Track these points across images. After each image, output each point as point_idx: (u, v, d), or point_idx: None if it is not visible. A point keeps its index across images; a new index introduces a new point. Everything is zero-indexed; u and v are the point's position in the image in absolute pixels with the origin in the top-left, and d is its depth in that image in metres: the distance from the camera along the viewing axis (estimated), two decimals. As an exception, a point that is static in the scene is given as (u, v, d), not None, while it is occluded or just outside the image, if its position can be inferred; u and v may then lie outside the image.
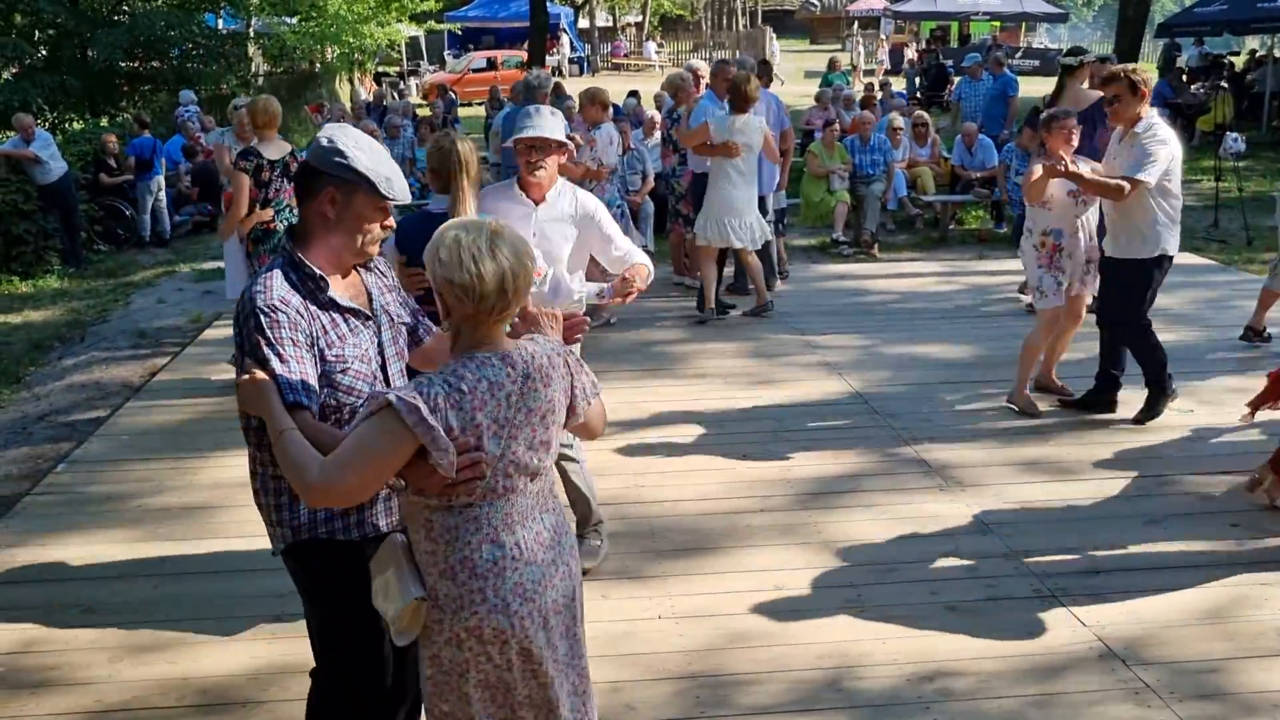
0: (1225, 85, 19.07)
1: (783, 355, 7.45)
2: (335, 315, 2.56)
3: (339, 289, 2.60)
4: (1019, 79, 14.38)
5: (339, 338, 2.55)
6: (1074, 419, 6.10)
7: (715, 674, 3.78)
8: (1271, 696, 3.58)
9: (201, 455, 5.88)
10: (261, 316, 2.44)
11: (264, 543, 4.73)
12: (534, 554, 2.40)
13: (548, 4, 22.95)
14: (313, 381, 2.47)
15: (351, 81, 26.62)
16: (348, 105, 19.64)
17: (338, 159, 2.50)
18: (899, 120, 12.81)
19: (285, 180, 6.60)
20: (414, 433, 2.19)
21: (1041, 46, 39.30)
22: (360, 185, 2.51)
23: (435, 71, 33.83)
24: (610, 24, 49.85)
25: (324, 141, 2.54)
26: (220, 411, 6.57)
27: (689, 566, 4.54)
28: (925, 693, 3.64)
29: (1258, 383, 6.60)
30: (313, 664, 2.91)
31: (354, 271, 2.67)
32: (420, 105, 23.09)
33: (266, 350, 2.43)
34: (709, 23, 55.70)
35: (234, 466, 5.70)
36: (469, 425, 2.26)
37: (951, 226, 12.18)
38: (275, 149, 6.61)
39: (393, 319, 2.75)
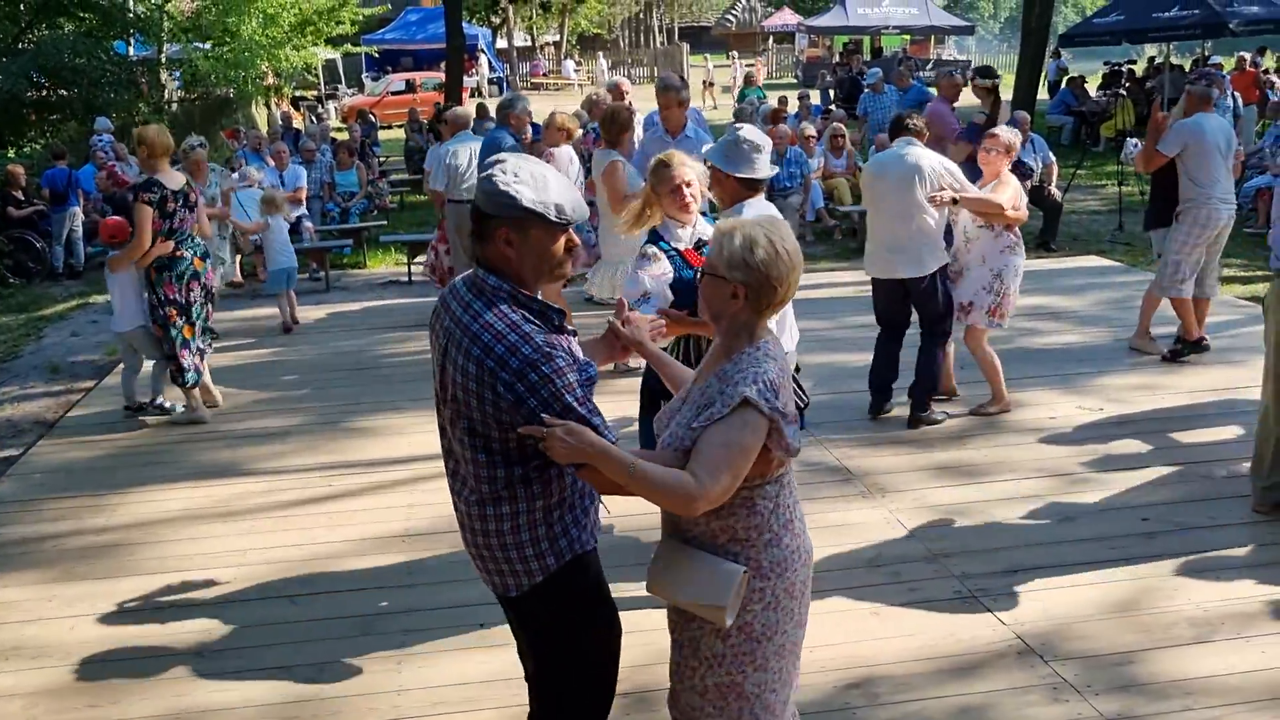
0: (1125, 92, 19.71)
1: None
2: (572, 341, 2.59)
3: None
4: (930, 89, 14.70)
5: (582, 364, 2.57)
6: (986, 423, 6.24)
7: (645, 689, 3.79)
8: (1184, 685, 3.70)
9: (120, 491, 5.76)
10: (543, 367, 2.39)
11: (188, 576, 4.71)
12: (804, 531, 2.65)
13: (465, 25, 22.89)
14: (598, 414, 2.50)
15: (268, 106, 26.27)
16: (264, 130, 19.38)
17: (502, 200, 2.45)
18: (810, 129, 13.02)
19: (187, 210, 6.56)
20: (770, 418, 2.39)
21: (951, 58, 40.16)
22: (531, 220, 2.46)
23: (353, 95, 33.54)
24: (529, 44, 49.87)
25: (486, 183, 2.49)
26: (138, 446, 6.45)
27: (618, 584, 4.55)
28: (852, 699, 3.70)
29: (1163, 380, 6.86)
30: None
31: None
32: (338, 129, 22.88)
33: (569, 397, 2.41)
34: (626, 40, 56.03)
35: (154, 501, 5.61)
36: (789, 402, 2.48)
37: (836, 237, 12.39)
38: (174, 179, 6.56)
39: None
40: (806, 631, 2.70)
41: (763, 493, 2.52)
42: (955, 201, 5.90)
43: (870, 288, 6.30)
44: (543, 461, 2.49)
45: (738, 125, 4.40)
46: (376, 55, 34.89)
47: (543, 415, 2.38)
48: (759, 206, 4.23)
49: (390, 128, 26.91)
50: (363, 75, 36.34)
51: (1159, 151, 6.96)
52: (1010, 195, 5.99)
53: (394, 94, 30.51)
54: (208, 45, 22.95)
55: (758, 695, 2.59)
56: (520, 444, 2.47)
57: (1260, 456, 4.98)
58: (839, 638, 4.05)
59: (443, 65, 22.53)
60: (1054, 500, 5.21)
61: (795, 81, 37.51)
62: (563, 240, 2.53)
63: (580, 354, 2.59)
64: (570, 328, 2.61)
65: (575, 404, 2.42)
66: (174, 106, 23.11)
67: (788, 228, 2.61)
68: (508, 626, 4.19)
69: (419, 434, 6.43)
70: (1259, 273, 10.16)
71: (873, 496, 5.31)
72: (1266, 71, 21.08)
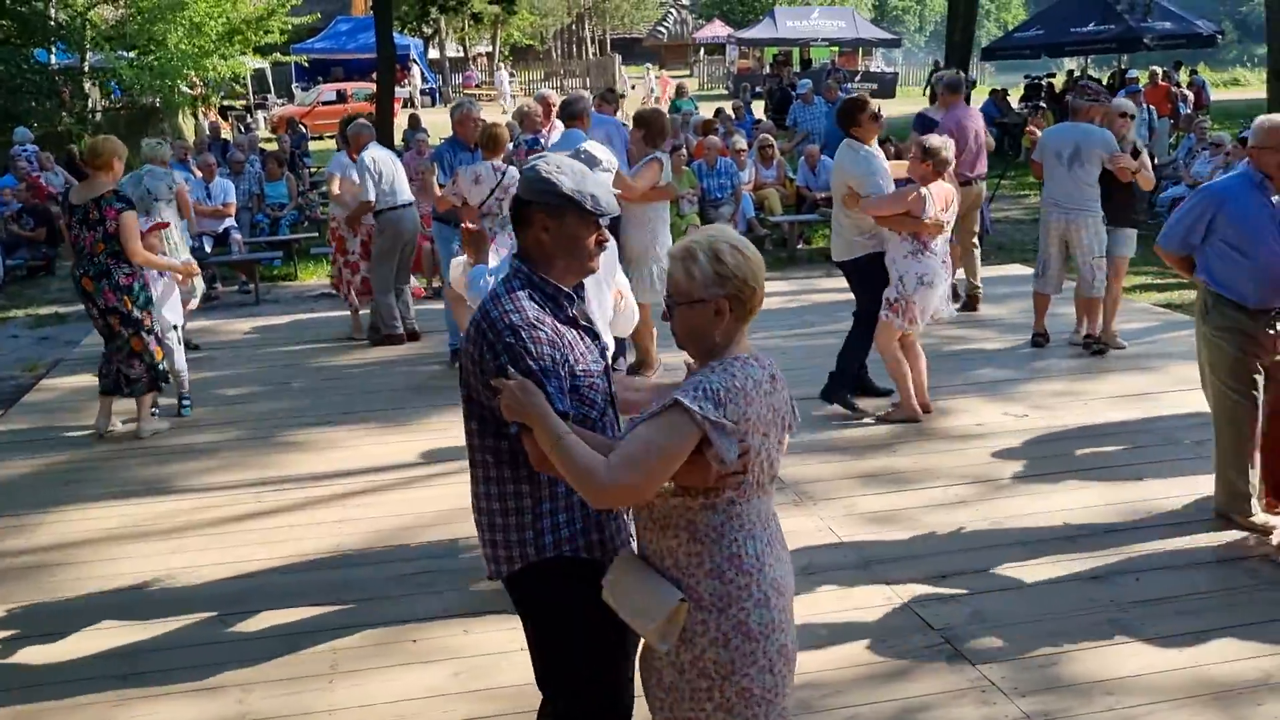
0: (1045, 105, 20.18)
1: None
2: (578, 331, 2.65)
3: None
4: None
5: (582, 354, 2.63)
6: (915, 430, 6.35)
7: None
8: (1106, 684, 3.80)
9: (42, 511, 5.62)
10: (523, 332, 2.51)
11: (113, 598, 4.61)
12: (778, 552, 2.53)
13: (396, 35, 22.71)
14: (569, 394, 2.55)
15: (196, 116, 25.83)
16: (191, 140, 19.06)
17: (542, 186, 2.60)
18: (741, 142, 13.14)
19: (84, 228, 6.40)
20: (701, 426, 2.30)
21: (878, 70, 40.81)
22: (568, 208, 2.59)
23: (283, 104, 33.12)
24: (461, 54, 49.68)
25: (529, 172, 2.64)
26: (61, 464, 6.31)
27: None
28: (785, 705, 3.74)
29: (1085, 386, 7.03)
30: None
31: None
32: (267, 139, 22.57)
33: (532, 362, 2.49)
34: (559, 51, 56.05)
35: (77, 521, 5.48)
36: (742, 419, 2.36)
37: (800, 246, 12.54)
38: (85, 192, 6.44)
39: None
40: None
41: (706, 518, 2.43)
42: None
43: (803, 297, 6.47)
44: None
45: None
46: (306, 65, 34.48)
47: (508, 369, 2.47)
48: None
49: (321, 138, 26.63)
50: (293, 85, 35.89)
51: (1033, 160, 7.88)
52: (929, 206, 6.05)
53: (325, 104, 30.21)
54: (132, 54, 22.53)
55: None
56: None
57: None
58: (772, 646, 4.08)
59: (374, 75, 22.37)
60: (981, 506, 5.31)
61: (726, 93, 37.80)
62: (595, 234, 2.65)
63: (586, 345, 2.66)
64: (585, 322, 2.69)
65: (541, 372, 2.48)
66: (98, 116, 22.62)
67: (727, 230, 2.58)
68: (442, 643, 4.20)
69: (351, 449, 6.38)
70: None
71: (804, 504, 5.37)
72: (1178, 85, 21.72)
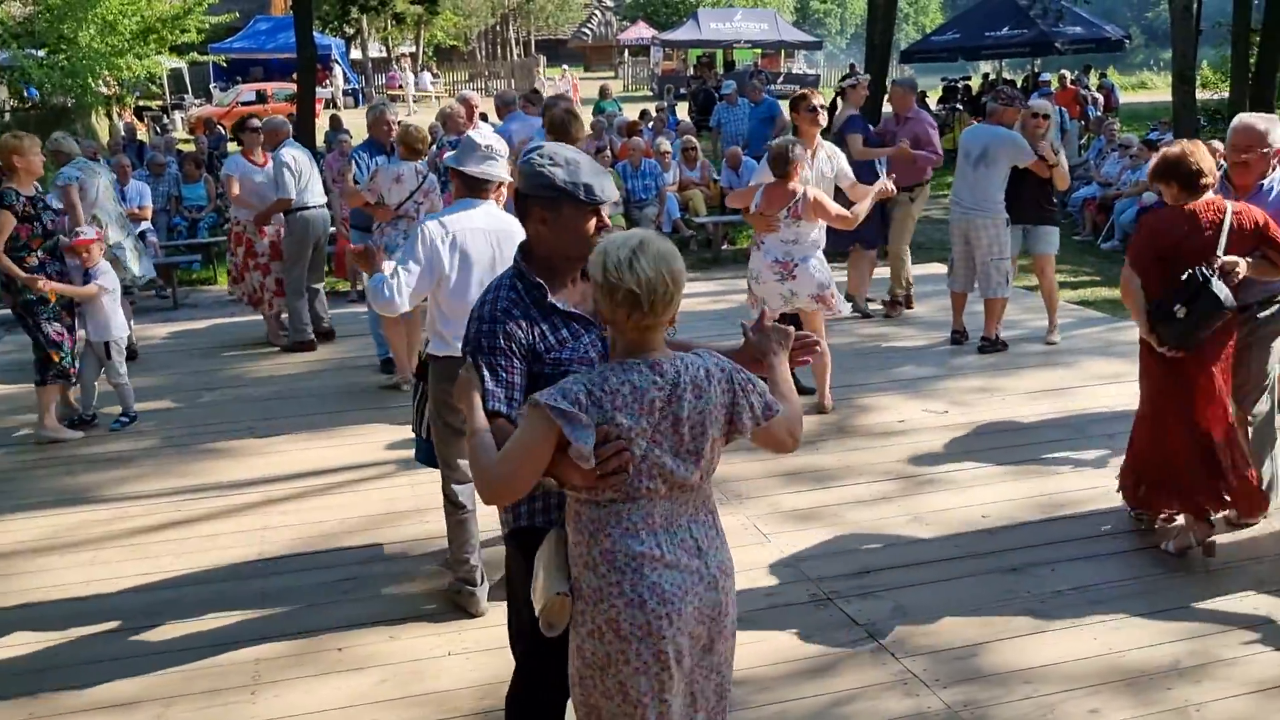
0: (962, 107, 20.59)
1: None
2: (556, 320, 2.71)
3: (564, 296, 2.76)
4: (780, 102, 15.10)
5: (558, 342, 2.69)
6: (837, 428, 6.44)
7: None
8: (1024, 674, 3.89)
9: (-53, 526, 5.45)
10: (483, 325, 2.67)
11: (24, 613, 4.48)
12: (677, 559, 2.49)
13: (318, 35, 22.39)
14: (518, 393, 2.63)
15: (110, 117, 25.20)
16: (105, 141, 18.60)
17: (536, 180, 2.71)
18: (666, 144, 13.21)
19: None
20: (556, 424, 2.35)
21: (800, 72, 41.28)
22: (563, 199, 2.69)
23: (201, 105, 32.46)
24: (384, 55, 49.12)
25: (524, 165, 2.74)
26: (-33, 477, 6.12)
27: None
28: (712, 703, 3.77)
29: (1002, 382, 7.19)
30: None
31: (583, 280, 2.74)
32: (185, 141, 22.11)
33: (479, 359, 2.64)
34: (483, 53, 55.76)
35: (6, 532, 5.33)
36: (608, 422, 2.39)
37: (725, 246, 12.63)
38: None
39: None
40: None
41: (588, 512, 2.48)
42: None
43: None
44: None
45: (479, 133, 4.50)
46: (225, 65, 33.90)
47: (468, 358, 2.67)
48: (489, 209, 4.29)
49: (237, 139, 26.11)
50: (211, 85, 35.20)
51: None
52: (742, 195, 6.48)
53: (244, 104, 29.61)
54: (42, 52, 21.91)
55: None
56: None
57: None
58: (699, 644, 4.11)
59: (295, 76, 22.03)
60: (902, 501, 5.40)
61: (651, 94, 37.92)
62: (593, 221, 2.73)
63: (569, 333, 2.70)
64: (568, 308, 2.73)
65: (485, 367, 2.63)
66: (6, 116, 21.96)
67: (652, 243, 2.50)
68: (367, 650, 4.16)
69: (274, 455, 6.28)
70: (1085, 279, 10.77)
71: (729, 503, 5.41)
72: (1087, 88, 22.30)
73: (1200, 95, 17.89)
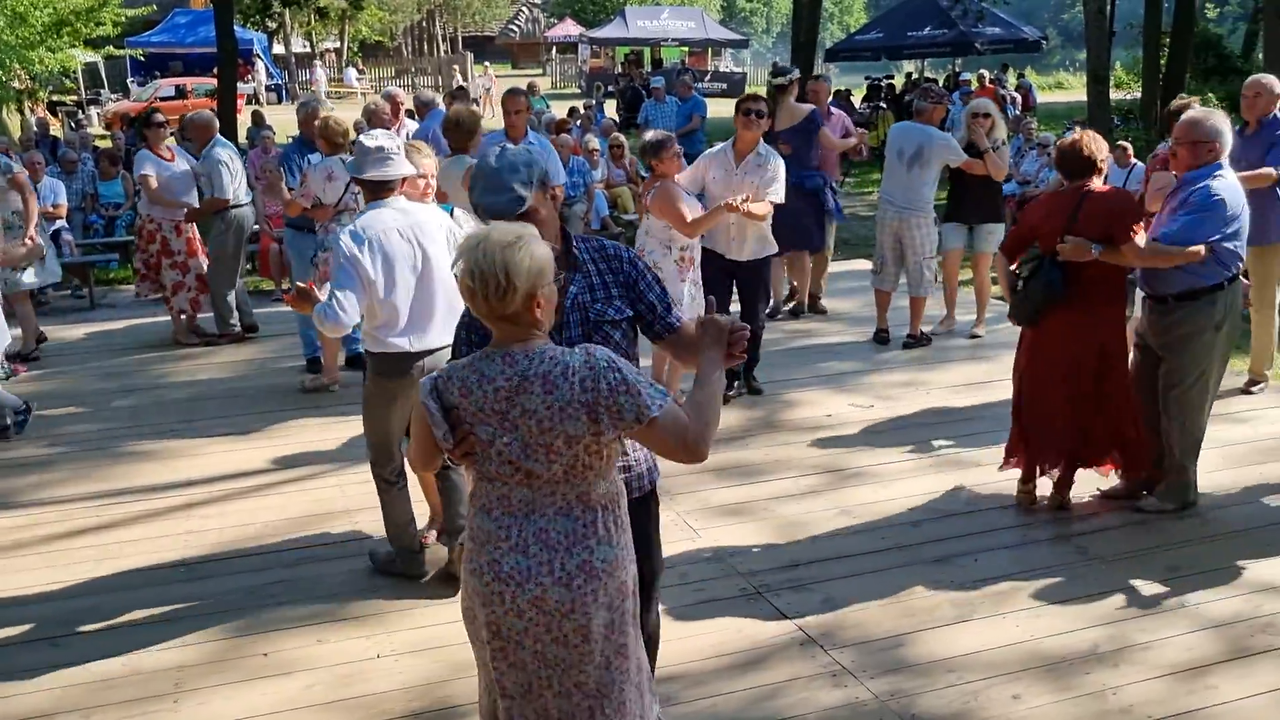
0: (885, 105, 20.90)
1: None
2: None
3: None
4: (707, 100, 15.20)
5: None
6: (765, 423, 6.49)
7: (439, 708, 3.77)
8: (948, 662, 3.96)
9: None
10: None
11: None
12: (525, 546, 2.57)
13: (239, 29, 21.97)
14: None
15: (22, 111, 24.46)
16: (16, 137, 18.03)
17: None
18: (594, 141, 13.19)
19: None
20: (425, 405, 2.57)
21: (727, 70, 41.51)
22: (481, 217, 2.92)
23: (118, 100, 31.67)
24: (308, 50, 48.36)
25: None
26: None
27: (407, 600, 4.51)
28: (644, 699, 3.78)
29: (927, 376, 7.31)
30: None
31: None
32: (101, 137, 21.55)
33: None
34: (409, 49, 55.17)
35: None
36: (453, 408, 2.56)
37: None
38: None
39: (588, 316, 2.98)
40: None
41: (473, 482, 2.72)
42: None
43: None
44: None
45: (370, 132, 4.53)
46: (143, 59, 33.14)
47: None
48: (400, 207, 4.39)
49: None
50: (128, 80, 34.35)
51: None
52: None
53: (163, 100, 29.01)
54: (-53, 45, 21.19)
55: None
56: None
57: None
58: (630, 641, 4.12)
59: (215, 71, 21.62)
60: (830, 495, 5.47)
61: (579, 91, 37.87)
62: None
63: None
64: None
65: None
66: (-91, 111, 21.24)
67: (491, 237, 2.54)
68: (294, 655, 4.09)
69: (196, 457, 6.16)
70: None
71: (659, 499, 5.41)
72: (1005, 87, 22.75)
73: (1114, 95, 18.36)
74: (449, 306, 4.32)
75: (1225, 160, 4.85)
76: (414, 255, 4.27)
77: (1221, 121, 4.85)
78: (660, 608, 4.34)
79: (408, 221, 4.29)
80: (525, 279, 2.47)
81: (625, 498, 2.75)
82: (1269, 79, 6.60)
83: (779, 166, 6.55)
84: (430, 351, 4.39)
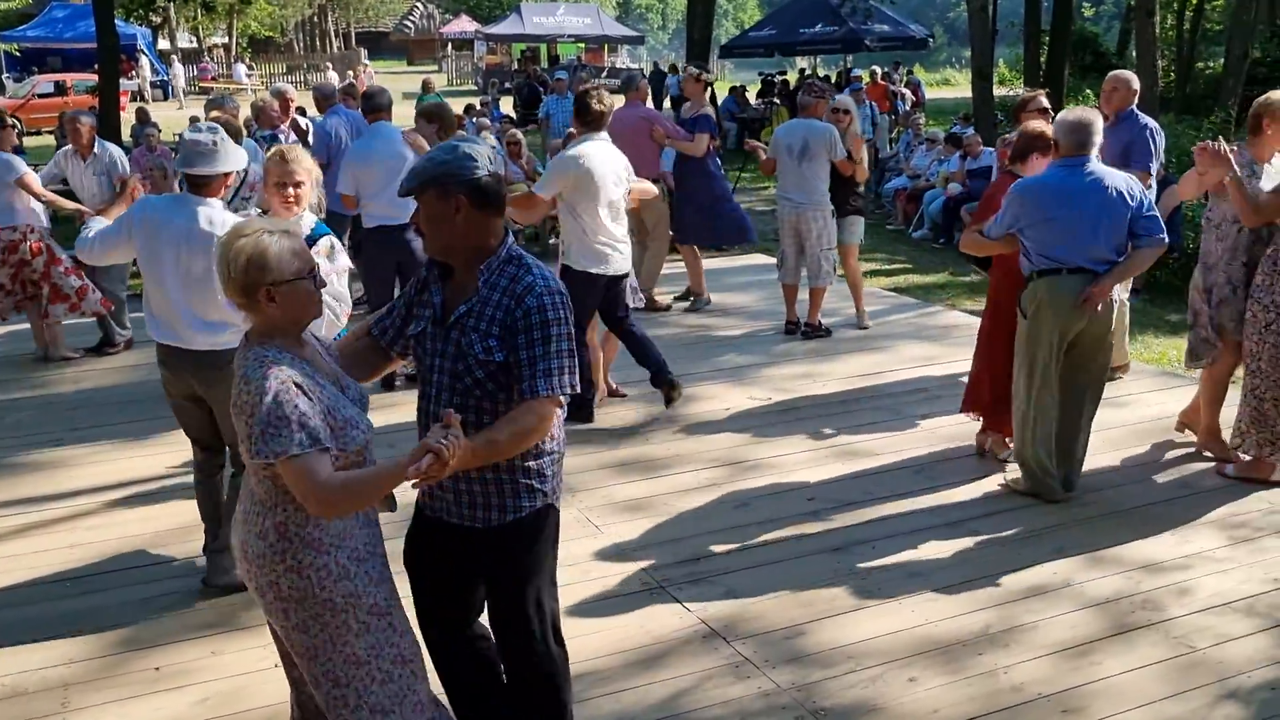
0: (779, 101, 21.20)
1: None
2: None
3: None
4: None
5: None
6: (666, 418, 6.52)
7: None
8: (847, 650, 4.04)
9: None
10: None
11: None
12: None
13: (121, 24, 21.26)
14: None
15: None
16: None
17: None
18: (490, 139, 13.12)
19: None
20: None
21: (624, 66, 41.59)
22: None
23: (-8, 96, 30.41)
24: (195, 45, 47.01)
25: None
26: None
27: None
28: (548, 697, 3.77)
29: (822, 368, 7.43)
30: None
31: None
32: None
33: None
34: (301, 44, 54.05)
35: None
36: None
37: (551, 240, 12.61)
38: None
39: (461, 343, 2.94)
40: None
41: None
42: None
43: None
44: None
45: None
46: (18, 54, 31.88)
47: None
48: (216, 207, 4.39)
49: (39, 133, 24.63)
50: (2, 76, 33.00)
51: (764, 158, 8.28)
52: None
53: (42, 96, 27.98)
54: None
55: None
56: None
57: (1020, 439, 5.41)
58: (534, 640, 4.11)
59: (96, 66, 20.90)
60: (731, 488, 5.52)
61: (475, 88, 37.57)
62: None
63: None
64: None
65: None
66: None
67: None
68: (187, 667, 3.98)
69: (81, 467, 5.95)
70: (898, 266, 11.24)
71: (562, 496, 5.40)
72: (894, 84, 23.25)
73: (997, 91, 18.89)
74: (192, 312, 4.33)
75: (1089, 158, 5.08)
76: (177, 258, 4.27)
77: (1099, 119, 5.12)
78: (564, 604, 4.37)
79: (188, 224, 4.27)
80: (238, 270, 2.63)
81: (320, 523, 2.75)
82: (1127, 75, 6.92)
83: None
84: (175, 350, 4.39)
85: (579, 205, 6.07)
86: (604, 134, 6.27)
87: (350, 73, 33.25)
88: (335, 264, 4.45)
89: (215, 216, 4.26)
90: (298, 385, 2.62)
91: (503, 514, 2.96)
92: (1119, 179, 5.04)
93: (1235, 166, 5.21)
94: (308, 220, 4.41)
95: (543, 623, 3.13)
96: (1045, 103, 6.44)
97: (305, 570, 2.73)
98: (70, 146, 8.11)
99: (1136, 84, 6.83)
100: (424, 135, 6.93)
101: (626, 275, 6.35)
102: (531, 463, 2.95)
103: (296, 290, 2.69)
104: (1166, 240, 5.11)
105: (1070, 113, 5.13)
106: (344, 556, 2.77)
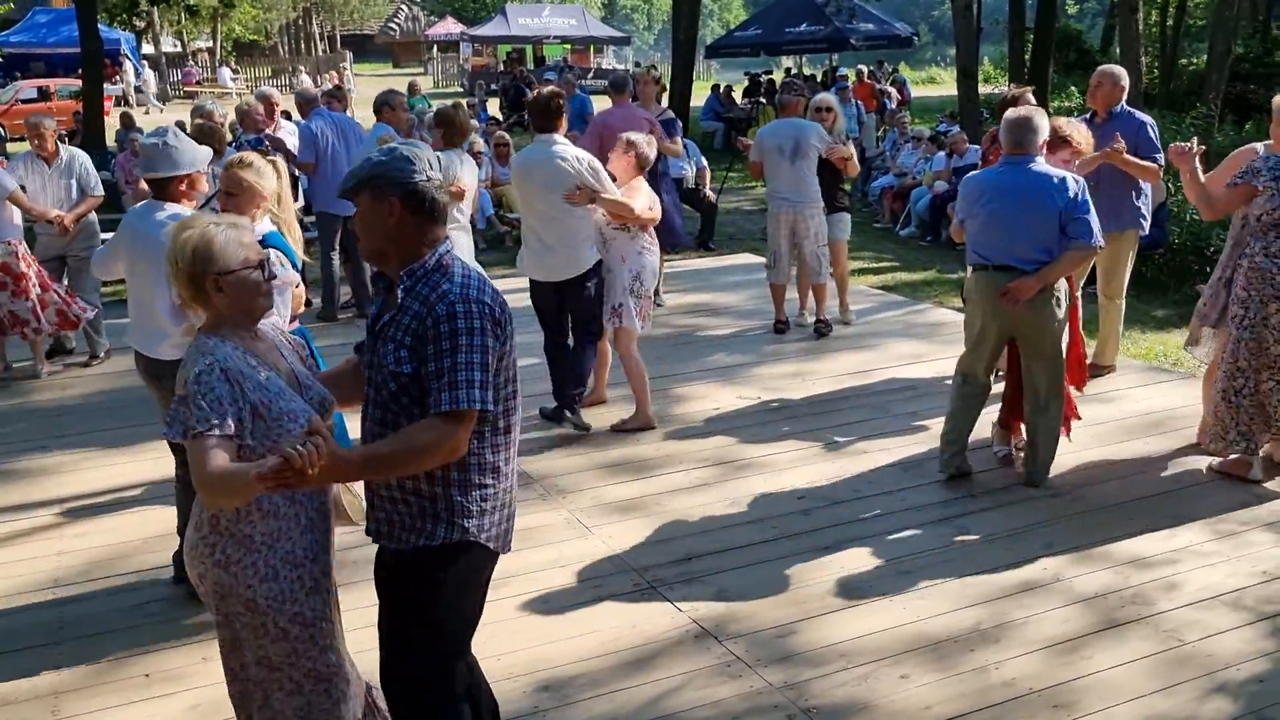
0: (765, 100, 21.22)
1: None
2: None
3: None
4: (592, 98, 15.19)
5: None
6: (656, 417, 6.50)
7: (331, 719, 3.69)
8: (839, 648, 4.04)
9: None
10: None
11: None
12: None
13: (105, 28, 21.15)
14: None
15: None
16: None
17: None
18: (479, 143, 13.10)
19: None
20: None
21: (610, 67, 41.59)
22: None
23: (-26, 102, 30.22)
24: (179, 49, 46.82)
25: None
26: None
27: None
28: (542, 701, 3.76)
29: (811, 367, 7.44)
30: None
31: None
32: (-46, 142, 20.54)
33: None
34: (286, 48, 53.91)
35: None
36: None
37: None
38: None
39: (377, 353, 2.88)
40: (495, 639, 2.77)
41: None
42: (591, 200, 5.94)
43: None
44: None
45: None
46: (1, 59, 31.69)
47: None
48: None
49: (22, 139, 24.52)
50: (-14, 81, 32.84)
51: (752, 161, 8.18)
52: (644, 198, 6.14)
53: (25, 102, 27.83)
54: None
55: None
56: None
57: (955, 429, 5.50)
58: (525, 643, 4.10)
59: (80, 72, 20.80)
60: (721, 487, 5.52)
61: (462, 90, 37.50)
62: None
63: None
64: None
65: None
66: None
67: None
68: (178, 673, 3.96)
69: (67, 473, 5.92)
70: (886, 264, 11.27)
71: (552, 499, 5.42)
72: (880, 81, 23.31)
73: (983, 89, 18.95)
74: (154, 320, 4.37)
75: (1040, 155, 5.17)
76: (141, 258, 4.32)
77: (1041, 118, 5.21)
78: (555, 606, 4.37)
79: (150, 231, 4.28)
80: (185, 260, 2.68)
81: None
82: (1114, 69, 6.85)
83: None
84: (144, 357, 4.44)
85: None
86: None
87: (327, 75, 33.20)
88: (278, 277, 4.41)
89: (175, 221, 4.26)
90: (224, 370, 2.62)
91: (415, 537, 2.78)
92: (1056, 180, 5.06)
93: (1196, 165, 5.30)
94: (261, 229, 4.34)
95: (420, 671, 2.90)
96: (1032, 99, 6.46)
97: (232, 565, 2.73)
98: (33, 151, 7.80)
99: (1125, 79, 6.78)
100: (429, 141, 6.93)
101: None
102: (456, 493, 2.77)
103: (244, 280, 2.71)
104: (1094, 244, 5.06)
105: (1012, 111, 5.23)
106: (275, 558, 2.75)
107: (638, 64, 22.35)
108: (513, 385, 2.87)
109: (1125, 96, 6.77)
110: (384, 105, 8.42)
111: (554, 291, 6.16)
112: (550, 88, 6.44)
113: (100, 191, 7.93)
